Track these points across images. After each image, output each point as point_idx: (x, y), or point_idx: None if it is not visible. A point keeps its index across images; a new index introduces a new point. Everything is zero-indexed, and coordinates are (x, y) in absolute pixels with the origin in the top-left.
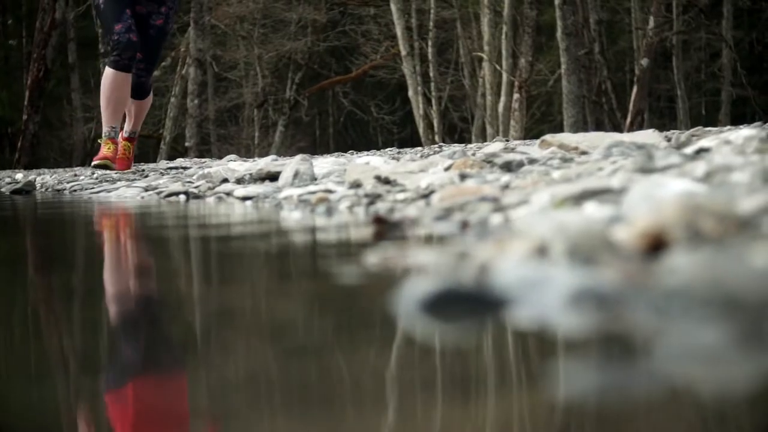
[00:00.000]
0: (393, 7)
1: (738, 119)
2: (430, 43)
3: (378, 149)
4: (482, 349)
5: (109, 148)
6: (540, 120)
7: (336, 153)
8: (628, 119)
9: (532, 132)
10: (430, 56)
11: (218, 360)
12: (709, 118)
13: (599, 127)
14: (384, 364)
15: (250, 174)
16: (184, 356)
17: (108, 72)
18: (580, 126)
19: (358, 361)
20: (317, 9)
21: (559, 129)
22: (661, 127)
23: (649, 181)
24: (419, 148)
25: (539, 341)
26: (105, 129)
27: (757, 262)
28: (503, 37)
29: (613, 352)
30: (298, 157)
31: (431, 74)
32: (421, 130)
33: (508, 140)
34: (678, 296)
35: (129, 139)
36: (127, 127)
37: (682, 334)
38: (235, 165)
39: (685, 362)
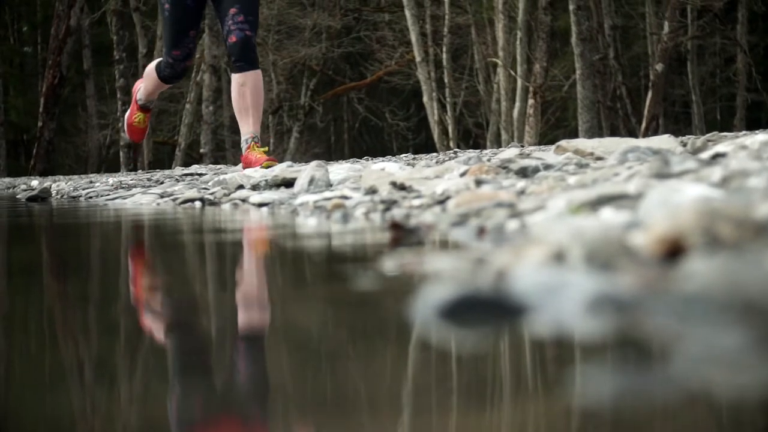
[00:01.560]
0: (407, 13)
1: (753, 124)
2: (444, 48)
3: (393, 155)
4: (501, 355)
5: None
6: (555, 125)
7: (351, 159)
8: (643, 124)
9: (546, 137)
10: (444, 62)
11: (240, 363)
12: (724, 123)
13: (614, 132)
14: (402, 371)
15: (266, 180)
16: (208, 360)
17: (154, 74)
18: (595, 131)
19: (376, 368)
20: (332, 15)
21: (573, 134)
22: (676, 132)
23: (666, 186)
24: (434, 154)
25: (558, 347)
26: (141, 99)
27: None
28: (518, 42)
29: (632, 357)
30: (314, 163)
31: (446, 80)
32: (435, 136)
33: (523, 146)
34: (696, 301)
35: (253, 144)
36: (246, 131)
37: (701, 339)
38: (250, 171)
39: (704, 367)
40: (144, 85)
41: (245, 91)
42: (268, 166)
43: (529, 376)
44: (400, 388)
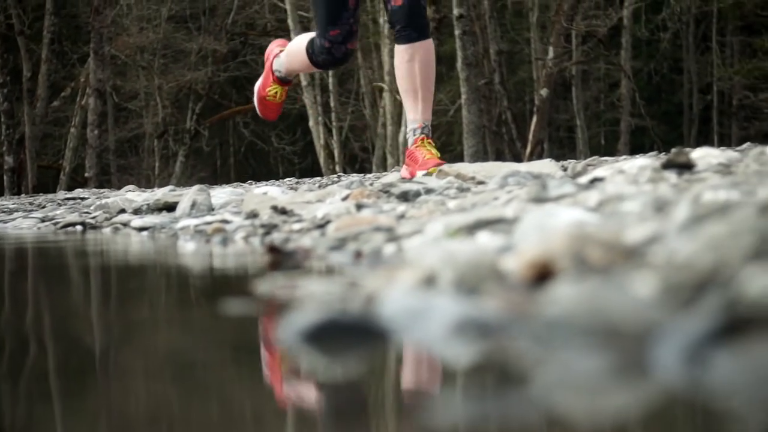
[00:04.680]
0: (294, 37)
1: (637, 149)
2: (330, 73)
3: (279, 179)
4: (359, 379)
5: None
6: (440, 150)
7: (235, 183)
8: (528, 149)
9: None
10: (330, 86)
11: (94, 390)
12: (609, 148)
13: (499, 156)
14: (258, 394)
15: (148, 204)
16: (76, 387)
17: (304, 56)
18: (480, 156)
19: (234, 392)
20: (218, 39)
21: (459, 159)
22: (561, 157)
23: (542, 210)
24: (318, 178)
25: (419, 371)
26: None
27: (638, 291)
28: None
29: (492, 380)
30: (196, 187)
31: (332, 104)
32: (321, 160)
33: None
34: (559, 325)
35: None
36: (413, 118)
37: (561, 362)
38: (132, 195)
39: (562, 390)
40: (287, 61)
41: (413, 68)
42: (431, 173)
43: (384, 399)
44: (252, 412)
